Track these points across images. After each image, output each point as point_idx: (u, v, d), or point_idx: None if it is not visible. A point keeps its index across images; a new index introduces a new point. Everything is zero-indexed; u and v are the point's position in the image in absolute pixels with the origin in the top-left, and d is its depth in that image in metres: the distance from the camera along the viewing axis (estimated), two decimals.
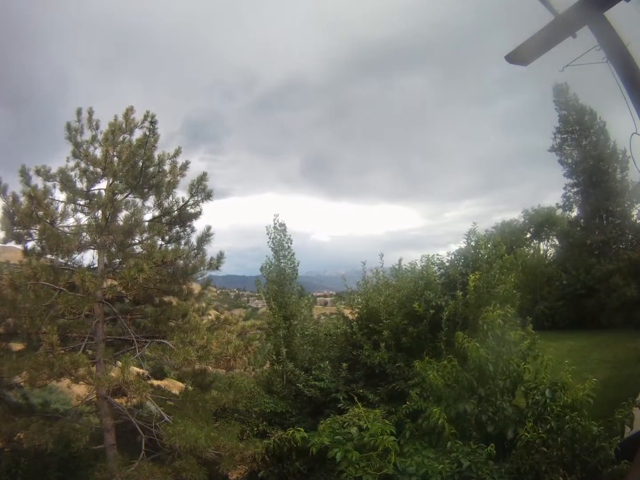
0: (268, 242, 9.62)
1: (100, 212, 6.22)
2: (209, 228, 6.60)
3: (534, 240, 26.98)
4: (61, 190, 6.45)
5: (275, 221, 9.62)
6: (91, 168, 6.59)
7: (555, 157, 23.54)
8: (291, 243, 9.69)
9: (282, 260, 9.58)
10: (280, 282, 9.37)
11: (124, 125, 6.68)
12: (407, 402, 6.29)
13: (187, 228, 6.81)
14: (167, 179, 6.72)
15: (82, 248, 6.20)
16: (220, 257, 6.77)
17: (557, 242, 25.87)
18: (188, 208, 6.72)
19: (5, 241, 6.25)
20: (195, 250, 6.55)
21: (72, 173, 6.55)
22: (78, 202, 6.53)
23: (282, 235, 9.65)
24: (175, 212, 6.69)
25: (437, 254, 8.75)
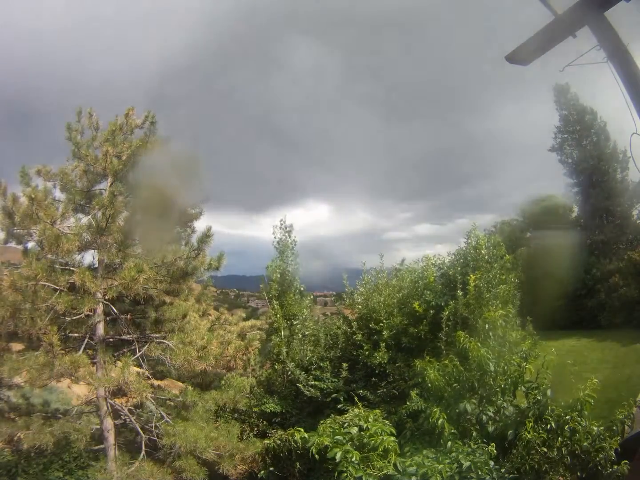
0: (273, 243, 9.67)
1: (100, 212, 6.22)
2: (209, 229, 6.61)
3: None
4: (61, 190, 6.46)
5: (282, 222, 9.68)
6: (91, 168, 6.60)
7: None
8: (295, 244, 9.74)
9: (286, 261, 9.61)
10: (283, 282, 9.39)
11: (124, 126, 6.69)
12: (407, 403, 6.28)
13: (187, 229, 6.81)
14: None
15: (82, 248, 6.20)
16: (220, 257, 6.77)
17: None
18: (188, 209, 6.72)
19: (5, 241, 6.26)
20: (196, 251, 6.56)
21: (73, 173, 6.55)
22: (78, 202, 6.53)
23: (288, 236, 9.69)
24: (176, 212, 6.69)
25: (438, 254, 8.76)
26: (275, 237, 9.65)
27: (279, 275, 9.38)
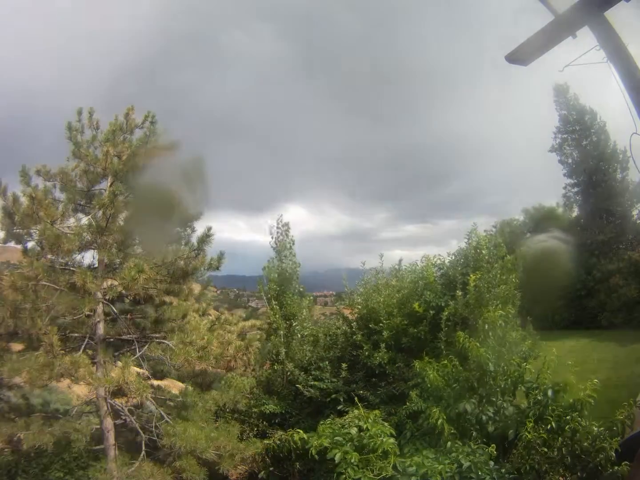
0: (270, 242, 9.68)
1: (101, 212, 6.22)
2: (209, 229, 6.61)
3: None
4: (62, 190, 6.46)
5: (279, 222, 9.69)
6: (92, 168, 6.60)
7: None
8: (293, 244, 9.74)
9: (284, 261, 9.61)
10: (282, 282, 9.38)
11: (124, 125, 6.69)
12: (407, 403, 6.28)
13: (187, 228, 6.81)
14: None
15: (82, 248, 6.20)
16: (221, 257, 6.77)
17: None
18: (189, 209, 6.72)
19: (5, 241, 6.26)
20: (196, 251, 6.56)
21: (73, 173, 6.55)
22: (78, 202, 6.54)
23: (285, 236, 9.69)
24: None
25: (438, 254, 8.75)
26: (272, 237, 9.66)
27: (276, 275, 9.38)
